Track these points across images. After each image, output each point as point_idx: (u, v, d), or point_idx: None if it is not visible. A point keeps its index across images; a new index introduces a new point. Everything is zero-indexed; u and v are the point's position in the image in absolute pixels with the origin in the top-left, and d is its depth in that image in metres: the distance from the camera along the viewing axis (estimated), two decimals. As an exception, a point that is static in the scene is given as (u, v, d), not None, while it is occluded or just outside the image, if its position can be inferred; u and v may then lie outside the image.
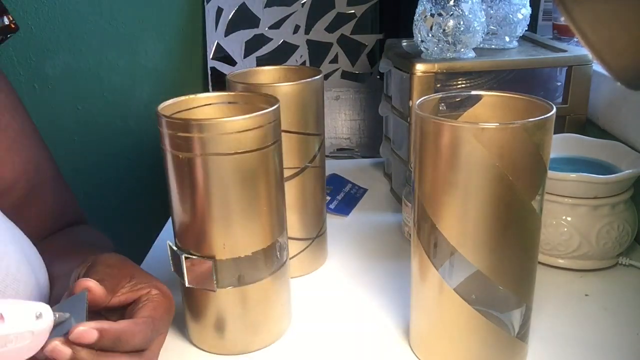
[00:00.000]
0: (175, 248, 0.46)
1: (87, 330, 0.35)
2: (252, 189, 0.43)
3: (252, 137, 0.42)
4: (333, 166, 0.87)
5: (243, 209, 0.43)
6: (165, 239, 0.68)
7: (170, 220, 0.72)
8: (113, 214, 1.10)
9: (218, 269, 0.44)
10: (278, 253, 0.47)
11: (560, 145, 0.62)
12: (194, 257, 0.45)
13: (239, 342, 0.47)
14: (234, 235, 0.44)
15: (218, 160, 0.41)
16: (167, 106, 0.46)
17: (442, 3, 0.63)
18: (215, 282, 0.45)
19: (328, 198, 0.75)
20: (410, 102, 0.65)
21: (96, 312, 0.41)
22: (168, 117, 0.42)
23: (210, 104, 0.49)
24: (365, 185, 0.81)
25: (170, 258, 0.47)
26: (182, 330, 0.50)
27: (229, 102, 0.49)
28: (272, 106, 0.44)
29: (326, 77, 0.98)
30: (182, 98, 0.47)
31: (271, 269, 0.47)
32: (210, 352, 0.48)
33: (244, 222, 0.44)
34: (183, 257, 0.45)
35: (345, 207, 0.74)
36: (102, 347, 0.36)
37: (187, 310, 0.48)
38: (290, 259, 0.58)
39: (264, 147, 0.43)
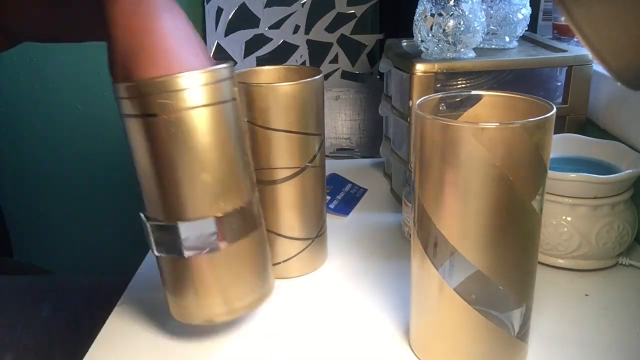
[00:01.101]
0: (142, 217, 0.45)
1: None
2: (209, 149, 0.42)
3: (206, 94, 0.41)
4: (333, 166, 0.87)
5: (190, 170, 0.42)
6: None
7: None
8: (113, 213, 1.10)
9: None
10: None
11: (560, 145, 0.62)
12: (158, 223, 0.44)
13: (216, 308, 0.46)
14: (194, 198, 0.43)
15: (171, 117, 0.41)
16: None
17: (442, 3, 0.63)
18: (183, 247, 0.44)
19: (328, 198, 0.75)
20: (410, 102, 0.65)
21: None
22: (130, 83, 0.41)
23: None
24: (365, 185, 0.81)
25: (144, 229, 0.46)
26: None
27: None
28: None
29: (326, 77, 0.98)
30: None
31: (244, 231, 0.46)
32: (189, 323, 0.47)
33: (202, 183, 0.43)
34: (148, 224, 0.44)
35: (345, 207, 0.74)
36: None
37: (163, 280, 0.47)
38: (290, 259, 0.58)
39: (217, 103, 0.42)
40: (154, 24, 0.40)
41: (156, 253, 0.45)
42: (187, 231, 0.43)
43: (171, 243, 0.44)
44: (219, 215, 0.43)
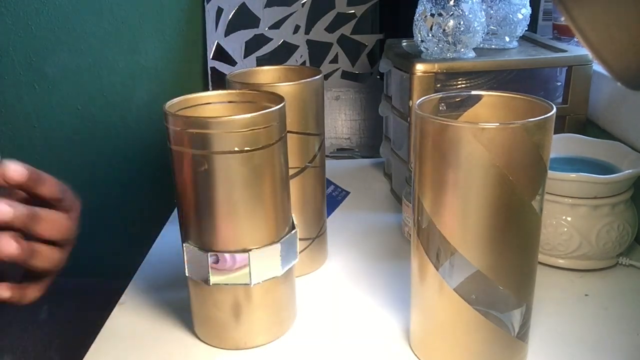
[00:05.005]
0: (196, 248, 0.46)
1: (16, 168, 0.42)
2: (257, 187, 0.44)
3: (259, 135, 0.43)
4: (333, 166, 0.87)
5: (248, 206, 0.44)
6: (166, 236, 0.69)
7: (170, 218, 0.72)
8: (113, 212, 1.10)
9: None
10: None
11: (560, 145, 0.62)
12: (192, 246, 0.45)
13: (241, 338, 0.48)
14: (228, 231, 0.44)
15: (225, 157, 0.42)
16: (174, 104, 0.46)
17: (442, 3, 0.63)
18: (209, 276, 0.45)
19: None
20: (410, 102, 0.65)
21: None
22: (181, 115, 0.43)
23: (211, 103, 0.49)
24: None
25: (186, 258, 0.47)
26: (188, 324, 0.51)
27: (230, 101, 0.50)
28: (277, 104, 0.44)
29: (326, 77, 0.98)
30: (188, 96, 0.48)
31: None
32: (213, 346, 0.48)
33: (250, 219, 0.44)
34: (184, 246, 0.46)
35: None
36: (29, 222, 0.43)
37: (190, 300, 0.49)
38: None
39: (270, 145, 0.44)
40: None
41: (192, 276, 0.47)
42: (220, 262, 0.45)
43: (203, 270, 0.45)
44: (255, 248, 0.45)
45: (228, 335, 0.48)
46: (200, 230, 0.45)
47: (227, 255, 0.45)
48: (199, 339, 0.49)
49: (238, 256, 0.45)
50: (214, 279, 0.45)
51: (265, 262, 0.46)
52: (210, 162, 0.42)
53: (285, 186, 0.47)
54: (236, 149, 0.42)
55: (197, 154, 0.42)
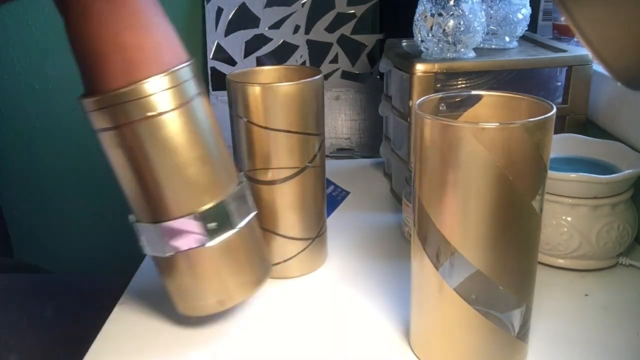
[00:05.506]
0: (131, 219, 0.47)
1: None
2: (185, 147, 0.43)
3: (167, 99, 0.42)
4: (333, 166, 0.87)
5: (185, 168, 0.44)
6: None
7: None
8: (114, 212, 1.10)
9: None
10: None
11: (560, 145, 0.62)
12: (141, 224, 0.46)
13: (212, 299, 0.48)
14: (168, 198, 0.44)
15: (133, 127, 0.42)
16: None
17: (442, 3, 0.63)
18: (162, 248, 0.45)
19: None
20: (410, 102, 0.65)
21: None
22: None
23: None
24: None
25: (144, 237, 0.47)
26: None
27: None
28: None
29: (326, 77, 0.98)
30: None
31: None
32: (191, 315, 0.49)
33: (172, 184, 0.44)
34: (135, 225, 0.46)
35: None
36: None
37: (165, 283, 0.49)
38: (290, 259, 0.58)
39: (182, 105, 0.43)
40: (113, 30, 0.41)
41: (150, 253, 0.47)
42: (172, 230, 0.44)
43: (158, 242, 0.45)
44: (203, 210, 0.44)
45: (205, 302, 0.48)
46: (141, 203, 0.45)
47: (174, 222, 0.44)
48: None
49: (185, 221, 0.44)
50: (168, 249, 0.45)
51: (218, 221, 0.45)
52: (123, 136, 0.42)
53: (218, 139, 0.46)
54: (148, 114, 0.41)
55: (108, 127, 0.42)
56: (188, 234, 0.45)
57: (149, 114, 0.41)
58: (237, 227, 0.47)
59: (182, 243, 0.45)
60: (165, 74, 0.41)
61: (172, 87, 0.42)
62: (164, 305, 0.54)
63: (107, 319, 0.53)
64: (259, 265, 0.50)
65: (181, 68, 0.43)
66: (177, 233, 0.44)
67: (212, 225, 0.45)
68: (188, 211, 0.44)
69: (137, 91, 0.41)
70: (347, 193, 0.79)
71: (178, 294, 0.48)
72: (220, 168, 0.46)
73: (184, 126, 0.43)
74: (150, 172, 0.43)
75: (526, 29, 0.73)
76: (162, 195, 0.44)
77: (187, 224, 0.44)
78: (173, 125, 0.42)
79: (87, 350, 0.48)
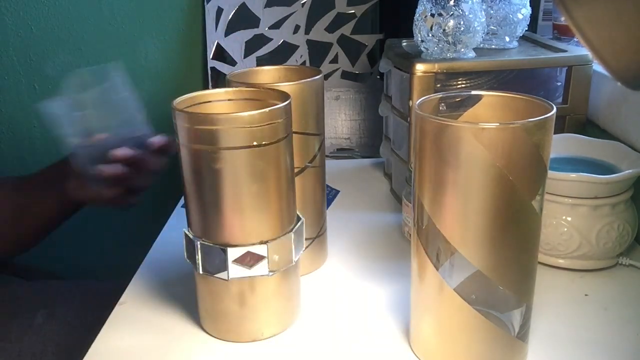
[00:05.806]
0: (190, 235, 0.47)
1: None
2: (269, 180, 0.45)
3: (266, 131, 0.43)
4: (333, 166, 0.87)
5: (254, 200, 0.45)
6: (171, 229, 0.69)
7: (170, 219, 0.72)
8: (113, 212, 1.10)
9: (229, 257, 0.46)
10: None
11: (560, 145, 0.62)
12: (208, 244, 0.46)
13: (258, 329, 0.49)
14: (245, 225, 0.45)
15: (233, 153, 0.43)
16: (181, 102, 0.47)
17: (442, 3, 0.63)
18: (227, 271, 0.46)
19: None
20: (410, 102, 0.65)
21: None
22: (187, 111, 0.44)
23: (222, 100, 0.50)
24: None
25: (185, 246, 0.48)
26: (194, 316, 0.52)
27: (234, 99, 0.51)
28: (282, 102, 0.45)
29: (326, 77, 0.98)
30: (195, 94, 0.49)
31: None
32: (219, 339, 0.49)
33: (264, 212, 0.45)
34: (198, 243, 0.46)
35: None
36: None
37: (199, 297, 0.49)
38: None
39: (276, 141, 0.44)
40: None
41: (204, 273, 0.47)
42: (242, 256, 0.45)
43: (223, 265, 0.46)
44: (273, 240, 0.46)
45: (244, 327, 0.48)
46: (216, 226, 0.45)
47: (245, 248, 0.45)
48: (207, 333, 0.50)
49: (256, 248, 0.45)
50: (233, 273, 0.46)
51: (280, 252, 0.47)
52: (221, 159, 0.43)
53: (293, 178, 0.48)
54: (245, 144, 0.43)
55: (206, 149, 0.43)
56: (256, 262, 0.46)
57: (251, 143, 0.43)
58: (293, 261, 0.48)
59: (249, 270, 0.46)
60: (269, 109, 0.44)
61: (271, 123, 0.44)
62: (164, 305, 0.54)
63: (106, 319, 0.52)
64: (295, 303, 0.51)
65: (281, 107, 0.45)
66: (245, 259, 0.46)
67: (275, 257, 0.47)
68: (260, 239, 0.46)
69: (245, 119, 0.43)
70: (338, 192, 0.79)
71: (219, 317, 0.49)
72: (292, 201, 0.48)
73: (279, 157, 0.45)
74: (237, 198, 0.44)
75: (526, 29, 0.73)
76: (241, 221, 0.45)
77: (258, 252, 0.46)
78: (271, 155, 0.44)
79: (83, 352, 0.48)
